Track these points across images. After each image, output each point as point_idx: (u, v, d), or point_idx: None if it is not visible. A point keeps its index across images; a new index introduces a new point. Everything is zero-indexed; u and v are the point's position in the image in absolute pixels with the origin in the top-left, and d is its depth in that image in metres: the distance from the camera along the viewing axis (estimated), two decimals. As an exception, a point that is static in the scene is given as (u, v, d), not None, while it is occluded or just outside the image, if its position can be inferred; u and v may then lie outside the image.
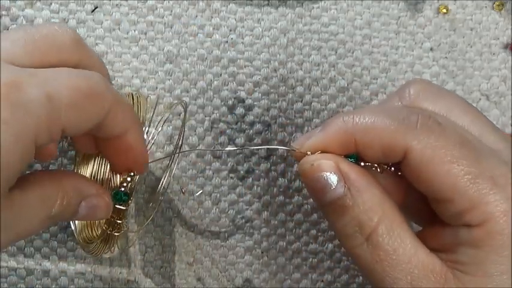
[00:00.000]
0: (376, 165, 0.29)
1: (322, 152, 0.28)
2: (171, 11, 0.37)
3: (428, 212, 0.28)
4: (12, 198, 0.24)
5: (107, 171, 0.34)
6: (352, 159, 0.28)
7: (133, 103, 0.32)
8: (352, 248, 0.27)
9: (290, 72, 0.38)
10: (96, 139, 0.30)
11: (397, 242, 0.26)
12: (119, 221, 0.31)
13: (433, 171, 0.26)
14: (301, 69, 0.38)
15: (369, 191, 0.27)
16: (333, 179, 0.27)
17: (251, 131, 0.38)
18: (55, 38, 0.28)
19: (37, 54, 0.27)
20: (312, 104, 0.38)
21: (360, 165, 0.28)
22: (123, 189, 0.30)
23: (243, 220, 0.38)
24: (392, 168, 0.29)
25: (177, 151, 0.34)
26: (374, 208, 0.27)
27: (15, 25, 0.36)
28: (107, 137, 0.28)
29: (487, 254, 0.25)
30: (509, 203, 0.26)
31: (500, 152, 0.28)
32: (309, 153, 0.28)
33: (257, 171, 0.38)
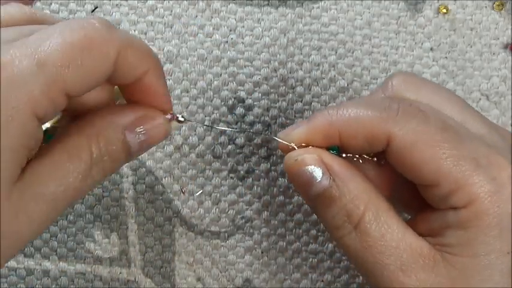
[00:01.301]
0: (357, 156, 0.29)
1: (307, 144, 0.29)
2: (171, 11, 0.37)
3: (417, 201, 0.29)
4: (27, 174, 0.23)
5: None
6: (334, 151, 0.29)
7: None
8: (341, 237, 0.27)
9: (290, 72, 0.38)
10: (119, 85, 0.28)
11: (384, 228, 0.27)
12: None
13: (417, 156, 0.26)
14: (301, 69, 0.38)
15: (353, 180, 0.28)
16: (318, 171, 0.28)
17: (251, 131, 0.38)
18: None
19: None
20: (312, 104, 0.38)
21: (341, 156, 0.29)
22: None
23: (243, 220, 0.38)
24: (375, 159, 0.29)
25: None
26: (360, 196, 0.27)
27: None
28: (125, 82, 0.26)
29: (474, 235, 0.26)
30: (493, 183, 0.26)
31: (484, 136, 0.28)
32: (292, 144, 0.29)
33: (257, 171, 0.38)
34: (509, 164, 0.26)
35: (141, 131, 0.26)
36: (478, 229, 0.26)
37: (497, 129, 0.29)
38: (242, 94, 0.38)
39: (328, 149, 0.29)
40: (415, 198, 0.29)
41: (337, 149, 0.29)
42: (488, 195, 0.26)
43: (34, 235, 0.24)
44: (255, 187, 0.38)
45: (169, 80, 0.37)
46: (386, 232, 0.27)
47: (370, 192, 0.27)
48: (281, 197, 0.38)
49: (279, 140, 0.29)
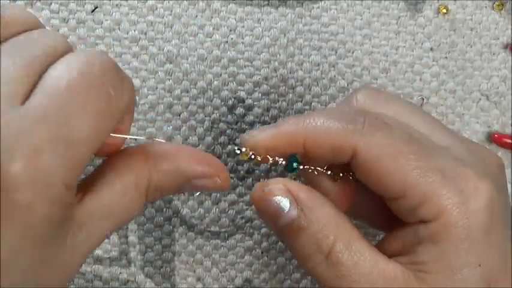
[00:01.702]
0: (312, 168, 0.29)
1: (271, 149, 0.28)
2: (171, 11, 0.37)
3: (389, 217, 0.29)
4: (79, 209, 0.24)
5: None
6: (293, 159, 0.29)
7: None
8: (313, 268, 0.27)
9: (290, 72, 0.38)
10: None
11: (357, 256, 0.26)
12: None
13: (383, 168, 0.26)
14: (301, 69, 0.38)
15: (321, 208, 0.27)
16: (285, 202, 0.27)
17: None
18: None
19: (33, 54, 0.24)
20: (312, 104, 0.38)
21: (299, 168, 0.29)
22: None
23: (243, 220, 0.38)
24: (329, 172, 0.30)
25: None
26: (329, 225, 0.27)
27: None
28: None
29: (445, 249, 0.26)
30: (461, 195, 0.26)
31: (450, 148, 0.28)
32: (246, 149, 0.29)
33: (257, 171, 0.38)
34: (475, 175, 0.26)
35: (199, 186, 0.27)
36: (449, 242, 0.26)
37: (463, 141, 0.29)
38: (242, 94, 0.38)
39: (289, 157, 0.29)
40: (384, 215, 0.29)
41: (296, 158, 0.29)
42: (456, 207, 0.26)
43: (81, 265, 0.25)
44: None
45: (169, 80, 0.37)
46: (359, 260, 0.26)
47: (339, 220, 0.27)
48: (281, 197, 0.38)
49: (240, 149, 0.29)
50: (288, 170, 0.30)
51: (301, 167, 0.29)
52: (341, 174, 0.30)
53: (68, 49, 0.25)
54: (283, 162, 0.29)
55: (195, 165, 0.27)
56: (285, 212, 0.27)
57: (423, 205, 0.26)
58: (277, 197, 0.28)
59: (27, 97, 0.22)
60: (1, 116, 0.21)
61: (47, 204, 0.21)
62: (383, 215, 0.29)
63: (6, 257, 0.21)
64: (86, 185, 0.25)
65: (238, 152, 0.29)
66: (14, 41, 0.24)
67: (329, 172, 0.29)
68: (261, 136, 0.29)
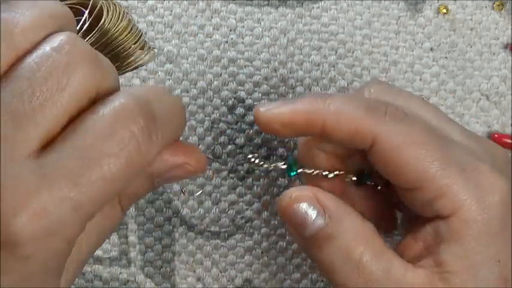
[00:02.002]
0: (336, 172, 0.29)
1: (288, 125, 0.28)
2: (171, 11, 0.37)
3: (408, 218, 0.28)
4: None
5: None
6: (291, 162, 0.29)
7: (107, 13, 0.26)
8: (342, 279, 0.27)
9: (290, 72, 0.38)
10: None
11: (387, 265, 0.26)
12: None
13: (402, 158, 0.26)
14: (301, 69, 0.38)
15: (350, 217, 0.27)
16: (312, 210, 0.27)
17: (251, 131, 0.38)
18: (68, 74, 0.22)
19: (54, 117, 0.21)
20: (312, 104, 0.38)
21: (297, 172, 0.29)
22: None
23: (243, 220, 0.38)
24: (354, 178, 0.30)
25: None
26: (358, 234, 0.27)
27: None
28: None
29: (467, 246, 0.25)
30: (478, 190, 0.26)
31: (462, 142, 0.28)
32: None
33: (257, 171, 0.38)
34: (490, 170, 0.26)
35: (170, 178, 0.25)
36: (470, 238, 0.25)
37: (474, 136, 0.29)
38: (242, 94, 0.38)
39: (288, 160, 0.29)
40: (393, 218, 0.29)
41: (296, 161, 0.29)
42: (475, 202, 0.26)
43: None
44: (255, 187, 0.38)
45: (169, 80, 0.37)
46: (390, 269, 0.26)
47: (367, 230, 0.27)
48: (281, 197, 0.38)
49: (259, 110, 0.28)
50: (288, 173, 0.30)
51: (300, 170, 0.29)
52: (335, 173, 0.30)
53: (109, 88, 0.23)
54: (283, 166, 0.29)
55: (159, 159, 0.24)
56: (312, 220, 0.27)
57: (441, 198, 0.26)
58: (304, 204, 0.27)
59: (46, 145, 0.21)
60: (11, 169, 0.20)
61: (45, 257, 0.21)
62: (393, 218, 0.29)
63: None
64: None
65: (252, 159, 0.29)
66: (35, 72, 0.21)
67: (327, 173, 0.29)
68: (278, 110, 0.28)
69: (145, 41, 0.26)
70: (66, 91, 0.21)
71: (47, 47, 0.21)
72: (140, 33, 0.26)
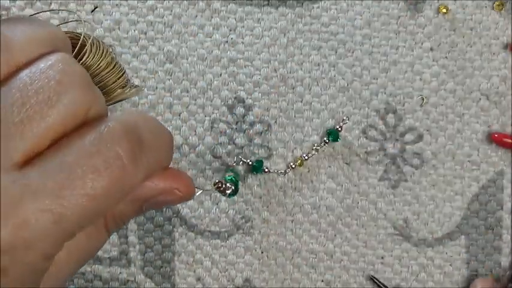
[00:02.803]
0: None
1: None
2: (171, 11, 0.37)
3: None
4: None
5: None
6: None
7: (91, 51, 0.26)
8: None
9: (290, 72, 0.38)
10: None
11: None
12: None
13: None
14: (301, 69, 0.38)
15: None
16: None
17: (251, 131, 0.38)
18: (59, 93, 0.21)
19: (40, 133, 0.21)
20: (312, 103, 0.38)
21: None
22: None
23: (243, 220, 0.38)
24: None
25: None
26: None
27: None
28: None
29: None
30: None
31: None
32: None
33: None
34: None
35: (158, 203, 0.25)
36: None
37: None
38: (242, 94, 0.38)
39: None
40: None
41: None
42: None
43: None
44: (255, 187, 0.38)
45: (169, 80, 0.37)
46: None
47: None
48: (281, 197, 0.38)
49: None
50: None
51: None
52: None
53: (97, 114, 0.23)
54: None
55: (148, 184, 0.24)
56: None
57: None
58: None
59: (33, 156, 0.21)
60: (8, 192, 0.20)
61: (21, 271, 0.21)
62: None
63: None
64: None
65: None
66: (26, 90, 0.21)
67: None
68: None
69: (127, 79, 0.27)
70: (56, 108, 0.21)
71: (41, 64, 0.22)
72: (123, 71, 0.26)
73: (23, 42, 0.22)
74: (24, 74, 0.21)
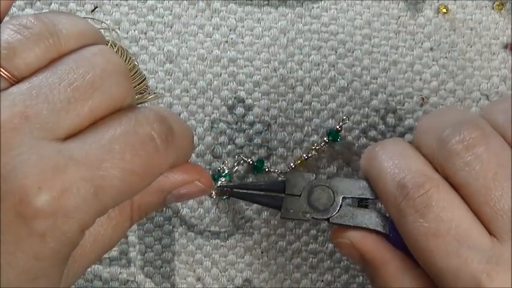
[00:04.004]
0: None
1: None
2: (171, 11, 0.37)
3: None
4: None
5: None
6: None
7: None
8: None
9: (290, 72, 0.38)
10: None
11: None
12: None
13: None
14: (301, 69, 0.38)
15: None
16: None
17: (251, 131, 0.38)
18: (103, 79, 0.23)
19: (82, 112, 0.23)
20: (312, 103, 0.38)
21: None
22: None
23: (243, 220, 0.38)
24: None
25: None
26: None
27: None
28: None
29: None
30: None
31: None
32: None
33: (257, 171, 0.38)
34: None
35: (182, 195, 0.27)
36: None
37: None
38: (242, 94, 0.38)
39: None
40: None
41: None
42: None
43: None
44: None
45: (169, 80, 0.37)
46: None
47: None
48: (281, 197, 0.38)
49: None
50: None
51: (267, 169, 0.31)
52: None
53: (130, 104, 0.24)
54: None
55: (171, 175, 0.26)
56: None
57: None
58: None
59: (73, 134, 0.22)
60: (39, 146, 0.21)
61: (58, 239, 0.21)
62: None
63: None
64: None
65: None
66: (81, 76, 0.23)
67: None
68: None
69: (147, 85, 0.28)
70: (98, 92, 0.23)
71: (86, 52, 0.23)
72: (143, 78, 0.28)
73: (69, 31, 0.23)
74: (71, 59, 0.23)
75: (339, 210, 0.29)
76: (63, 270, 0.23)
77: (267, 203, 0.31)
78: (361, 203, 0.30)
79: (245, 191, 0.32)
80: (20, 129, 0.21)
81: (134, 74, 0.27)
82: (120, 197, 0.23)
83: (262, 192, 0.31)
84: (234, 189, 0.32)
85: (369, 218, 0.29)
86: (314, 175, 0.30)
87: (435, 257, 0.25)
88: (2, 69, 0.22)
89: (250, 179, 0.38)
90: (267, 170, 0.37)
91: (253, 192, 0.31)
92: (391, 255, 0.28)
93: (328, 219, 0.29)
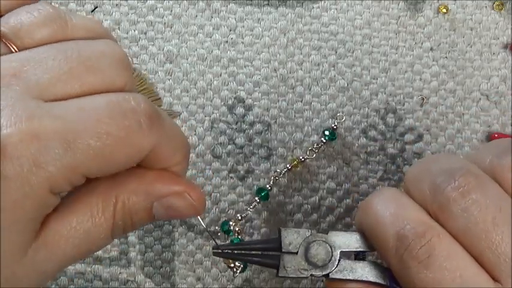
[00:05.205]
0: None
1: None
2: (171, 11, 0.37)
3: None
4: (45, 233, 0.23)
5: None
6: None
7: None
8: None
9: (290, 72, 0.38)
10: None
11: None
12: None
13: None
14: (301, 69, 0.38)
15: None
16: None
17: (251, 131, 0.38)
18: (100, 61, 0.24)
19: (72, 83, 0.23)
20: (312, 103, 0.38)
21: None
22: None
23: (243, 220, 0.38)
24: None
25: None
26: None
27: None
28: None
29: None
30: None
31: None
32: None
33: (257, 171, 0.38)
34: None
35: (169, 206, 0.26)
36: None
37: None
38: (242, 94, 0.38)
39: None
40: None
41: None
42: None
43: (44, 284, 0.24)
44: (255, 187, 0.38)
45: (169, 80, 0.37)
46: None
47: None
48: (281, 197, 0.38)
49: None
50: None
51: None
52: None
53: (126, 87, 0.24)
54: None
55: (162, 182, 0.25)
56: None
57: None
58: None
59: (57, 100, 0.22)
60: (21, 100, 0.21)
61: (24, 192, 0.21)
62: None
63: None
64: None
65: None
66: (89, 58, 0.23)
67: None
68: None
69: (160, 105, 0.29)
70: (93, 70, 0.23)
71: (90, 40, 0.24)
72: (157, 98, 0.29)
73: (78, 22, 0.24)
74: (74, 41, 0.24)
75: (337, 265, 0.29)
76: (29, 237, 0.22)
77: (264, 263, 0.30)
78: (358, 255, 0.29)
79: (240, 251, 0.30)
80: (10, 86, 0.22)
81: (148, 92, 0.28)
82: (93, 162, 0.22)
83: (257, 252, 0.30)
84: (228, 251, 0.31)
85: (369, 271, 0.28)
86: (310, 231, 0.29)
87: None
88: (4, 39, 0.23)
89: (251, 179, 0.38)
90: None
91: (249, 252, 0.30)
92: None
93: (327, 275, 0.29)
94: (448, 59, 0.39)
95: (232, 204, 0.38)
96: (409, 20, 0.39)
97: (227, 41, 0.38)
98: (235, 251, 0.30)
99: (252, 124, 0.38)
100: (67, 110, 0.22)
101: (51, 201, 0.22)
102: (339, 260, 0.29)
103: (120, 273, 0.38)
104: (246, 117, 0.38)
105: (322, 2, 0.38)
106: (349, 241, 0.29)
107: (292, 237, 0.29)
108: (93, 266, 0.38)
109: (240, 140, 0.38)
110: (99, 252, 0.38)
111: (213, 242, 0.35)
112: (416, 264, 0.25)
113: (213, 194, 0.38)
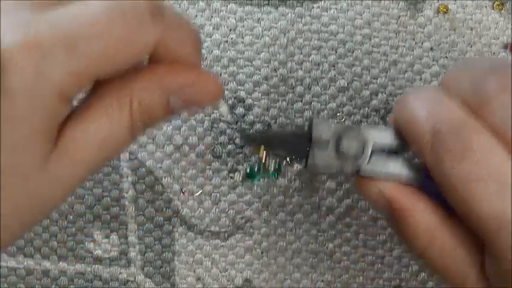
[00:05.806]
0: None
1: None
2: (171, 11, 0.37)
3: None
4: (63, 141, 0.22)
5: None
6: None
7: None
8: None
9: (290, 72, 0.38)
10: None
11: None
12: None
13: None
14: (301, 69, 0.38)
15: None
16: None
17: (251, 130, 0.38)
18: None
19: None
20: (312, 103, 0.38)
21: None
22: None
23: (243, 220, 0.38)
24: None
25: None
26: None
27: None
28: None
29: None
30: None
31: None
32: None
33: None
34: None
35: (186, 96, 0.25)
36: None
37: None
38: (242, 94, 0.38)
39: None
40: None
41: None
42: None
43: (66, 197, 0.24)
44: (255, 187, 0.38)
45: (169, 79, 0.37)
46: None
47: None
48: (281, 197, 0.38)
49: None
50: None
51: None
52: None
53: None
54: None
55: (174, 74, 0.24)
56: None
57: None
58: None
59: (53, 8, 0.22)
60: (18, 10, 0.21)
61: (32, 103, 0.21)
62: None
63: None
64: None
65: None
66: None
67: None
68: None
69: None
70: None
71: None
72: None
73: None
74: None
75: (369, 160, 0.27)
76: (46, 147, 0.22)
77: (292, 153, 0.28)
78: (390, 151, 0.28)
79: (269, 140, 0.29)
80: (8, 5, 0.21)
81: None
82: (97, 64, 0.22)
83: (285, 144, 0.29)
84: (255, 135, 0.29)
85: (402, 167, 0.27)
86: (343, 122, 0.28)
87: (476, 203, 0.24)
88: None
89: (251, 180, 0.38)
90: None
91: (277, 140, 0.29)
92: (423, 204, 0.27)
93: (357, 172, 0.27)
94: (448, 59, 0.39)
95: (232, 204, 0.38)
96: (409, 20, 0.39)
97: (227, 41, 0.38)
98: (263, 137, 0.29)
99: (252, 124, 0.38)
100: (65, 15, 0.21)
101: (62, 109, 0.22)
102: (371, 155, 0.27)
103: (120, 273, 0.38)
104: (246, 117, 0.38)
105: (322, 2, 0.38)
106: (384, 136, 0.27)
107: (323, 129, 0.28)
108: (93, 266, 0.38)
109: (240, 139, 0.38)
110: (99, 252, 0.38)
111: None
112: (451, 158, 0.24)
113: (213, 194, 0.38)
